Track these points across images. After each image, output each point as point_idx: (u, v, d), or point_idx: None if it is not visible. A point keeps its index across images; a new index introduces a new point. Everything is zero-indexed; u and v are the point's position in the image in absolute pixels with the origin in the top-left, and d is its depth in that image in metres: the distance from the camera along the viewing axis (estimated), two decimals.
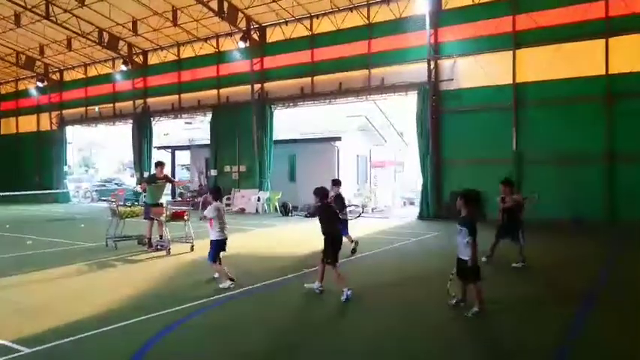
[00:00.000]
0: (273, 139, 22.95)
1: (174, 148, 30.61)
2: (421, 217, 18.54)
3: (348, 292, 6.76)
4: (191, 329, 5.80)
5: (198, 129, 39.48)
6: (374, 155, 27.48)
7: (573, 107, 16.12)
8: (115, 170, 47.71)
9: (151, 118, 27.54)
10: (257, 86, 23.13)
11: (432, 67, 18.44)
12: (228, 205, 23.26)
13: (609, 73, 15.57)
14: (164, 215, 10.97)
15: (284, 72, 22.51)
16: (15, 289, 7.76)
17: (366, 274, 8.64)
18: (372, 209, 22.95)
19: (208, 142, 25.44)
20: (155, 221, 11.45)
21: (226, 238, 7.89)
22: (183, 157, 33.42)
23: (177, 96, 26.28)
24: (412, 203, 24.75)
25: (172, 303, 6.60)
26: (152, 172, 11.40)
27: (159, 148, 30.03)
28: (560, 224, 15.14)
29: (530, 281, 8.18)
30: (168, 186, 13.58)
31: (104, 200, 31.16)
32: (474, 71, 17.85)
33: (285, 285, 7.98)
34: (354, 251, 10.45)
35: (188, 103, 25.95)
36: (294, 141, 23.84)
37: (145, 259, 10.22)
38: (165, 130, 35.05)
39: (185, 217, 11.18)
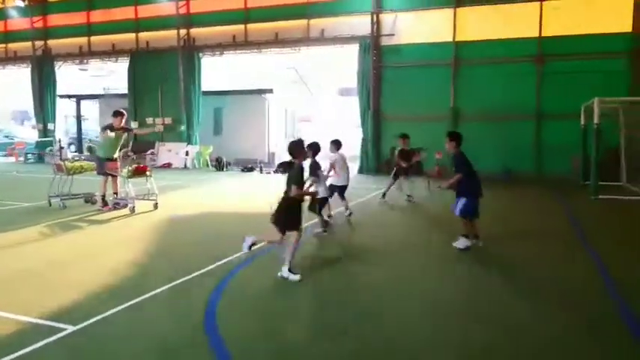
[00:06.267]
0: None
1: (79, 97, 27.63)
2: (360, 171, 18.77)
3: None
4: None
5: (98, 77, 35.98)
6: (301, 110, 27.13)
7: (507, 66, 17.04)
8: None
9: (54, 63, 24.58)
10: (183, 31, 21.49)
11: (374, 20, 18.32)
12: (153, 160, 21.76)
13: (542, 35, 16.60)
14: (124, 171, 9.96)
15: (213, 17, 21.07)
16: None
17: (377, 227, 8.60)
18: None
19: (121, 91, 23.30)
20: (109, 177, 10.42)
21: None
22: (90, 109, 30.36)
23: (86, 38, 23.60)
24: None
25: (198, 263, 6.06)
26: (109, 123, 10.33)
27: (61, 96, 26.92)
28: (492, 177, 16.17)
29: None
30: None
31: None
32: (415, 27, 18.07)
33: None
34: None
35: (100, 47, 23.44)
36: (225, 92, 22.73)
37: (111, 219, 9.25)
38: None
39: (147, 173, 10.26)
